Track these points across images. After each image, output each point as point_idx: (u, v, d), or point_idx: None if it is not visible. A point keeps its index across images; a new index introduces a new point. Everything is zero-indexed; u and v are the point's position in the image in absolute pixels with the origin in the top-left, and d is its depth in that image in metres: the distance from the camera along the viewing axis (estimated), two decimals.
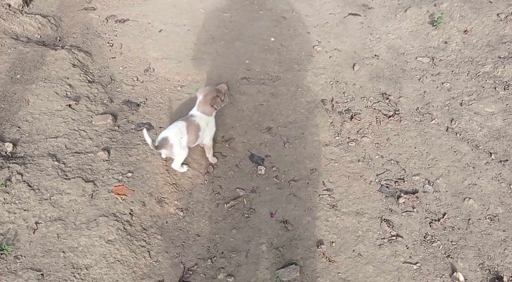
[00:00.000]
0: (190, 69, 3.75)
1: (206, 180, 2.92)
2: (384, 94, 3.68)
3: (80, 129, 3.03)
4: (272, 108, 3.52)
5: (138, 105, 3.38)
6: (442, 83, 3.73)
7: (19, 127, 2.95)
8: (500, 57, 3.80)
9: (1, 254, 2.26)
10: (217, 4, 4.37)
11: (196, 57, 3.87)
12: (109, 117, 3.14)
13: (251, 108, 3.50)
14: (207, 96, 2.87)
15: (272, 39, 4.09)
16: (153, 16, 4.22)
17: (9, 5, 3.86)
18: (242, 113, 3.46)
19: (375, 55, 3.98)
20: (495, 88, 3.64)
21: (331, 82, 3.77)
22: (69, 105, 3.18)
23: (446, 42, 4.01)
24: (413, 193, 3.02)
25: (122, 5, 4.32)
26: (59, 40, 3.87)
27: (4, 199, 2.46)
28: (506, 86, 3.63)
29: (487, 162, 3.20)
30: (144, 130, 2.60)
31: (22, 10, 3.91)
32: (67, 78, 3.42)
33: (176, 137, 2.72)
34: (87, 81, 3.48)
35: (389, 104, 3.61)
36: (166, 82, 3.64)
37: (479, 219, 2.89)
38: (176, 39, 4.03)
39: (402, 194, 3.00)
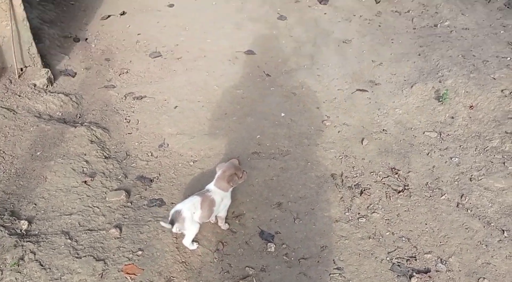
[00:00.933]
0: (203, 144, 3.87)
1: (216, 258, 2.93)
2: (393, 169, 3.73)
3: (94, 206, 3.10)
4: (282, 183, 3.57)
5: (151, 180, 3.47)
6: (451, 158, 3.77)
7: (35, 205, 3.05)
8: (507, 132, 3.85)
9: None
10: (230, 82, 4.58)
11: (209, 133, 4.00)
12: (122, 193, 3.23)
13: (261, 183, 3.56)
14: (225, 172, 2.96)
15: (283, 114, 4.23)
16: (169, 93, 4.43)
17: (35, 85, 4.10)
18: (252, 188, 3.52)
19: (383, 129, 4.07)
20: (503, 163, 3.67)
21: (341, 157, 3.84)
22: (85, 182, 3.28)
23: (452, 117, 4.10)
24: (426, 272, 2.97)
25: (140, 82, 4.55)
26: (79, 117, 4.06)
27: (16, 278, 2.50)
28: None
29: (500, 240, 3.16)
30: (161, 223, 2.75)
31: (46, 89, 4.15)
32: (85, 155, 3.55)
33: (189, 212, 2.78)
34: (104, 157, 3.61)
35: (398, 179, 3.65)
36: (179, 158, 3.75)
37: None
38: (190, 115, 4.19)
39: (414, 273, 2.95)
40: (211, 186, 2.97)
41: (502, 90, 4.16)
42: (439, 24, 5.23)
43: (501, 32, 4.96)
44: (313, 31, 5.26)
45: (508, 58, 4.51)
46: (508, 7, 5.34)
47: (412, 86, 4.40)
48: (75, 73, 4.55)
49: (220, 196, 2.96)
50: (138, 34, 5.20)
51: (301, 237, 3.16)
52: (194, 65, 4.82)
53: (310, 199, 3.46)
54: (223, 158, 3.73)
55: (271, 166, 3.71)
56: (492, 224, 3.26)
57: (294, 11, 5.58)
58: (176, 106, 4.29)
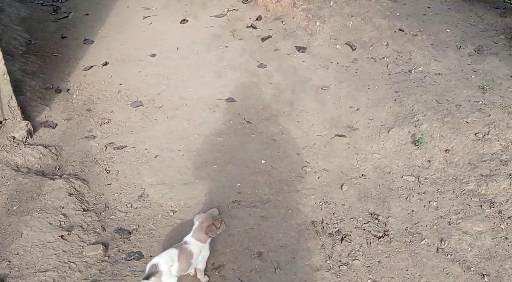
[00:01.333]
0: (183, 194, 3.86)
1: None
2: (373, 215, 3.75)
3: (70, 262, 3.05)
4: (263, 232, 3.56)
5: (130, 233, 3.44)
6: (429, 202, 3.81)
7: (9, 262, 2.98)
8: (482, 175, 3.92)
9: None
10: (211, 130, 4.63)
11: (189, 182, 4.01)
12: (100, 247, 3.18)
13: (242, 232, 3.55)
14: (203, 223, 2.96)
15: (263, 161, 4.27)
16: (150, 142, 4.45)
17: (14, 138, 4.10)
18: (232, 238, 3.50)
19: (362, 174, 4.12)
20: (480, 206, 3.72)
21: (321, 203, 3.85)
22: (62, 236, 3.24)
23: (429, 161, 4.17)
24: None
25: (121, 132, 4.58)
26: (59, 168, 4.04)
27: None
28: (491, 204, 3.71)
29: None
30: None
31: (25, 142, 4.15)
32: (62, 208, 3.52)
33: (166, 265, 2.75)
34: (82, 209, 3.58)
35: (378, 224, 3.66)
36: (159, 208, 3.73)
37: None
38: (170, 164, 4.21)
39: None
40: (188, 238, 2.96)
41: (475, 134, 4.27)
42: (413, 70, 5.40)
43: (472, 76, 5.13)
44: (292, 78, 5.39)
45: (480, 102, 4.66)
46: (478, 53, 5.56)
47: (389, 131, 4.49)
48: (56, 125, 4.56)
49: (198, 248, 2.93)
50: (120, 84, 5.27)
51: None
52: (175, 114, 4.88)
53: (291, 248, 3.44)
54: (203, 208, 3.72)
55: (251, 214, 3.71)
56: (472, 269, 3.27)
57: (274, 59, 5.73)
58: (157, 155, 4.30)
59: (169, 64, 5.66)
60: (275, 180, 4.07)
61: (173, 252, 2.82)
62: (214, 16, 6.69)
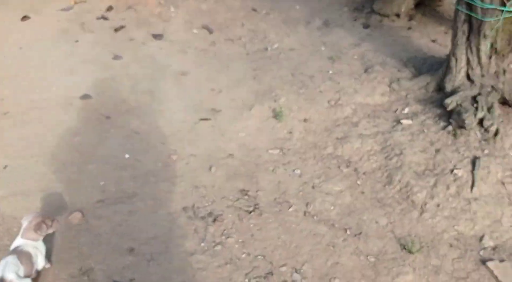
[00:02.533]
0: (40, 202, 3.55)
1: None
2: (242, 191, 3.80)
3: None
4: (132, 227, 3.42)
5: None
6: (293, 171, 3.97)
7: None
8: (338, 138, 4.20)
9: None
10: (66, 130, 4.31)
11: (46, 188, 3.69)
12: None
13: (108, 231, 3.37)
14: (31, 222, 2.86)
15: (127, 155, 4.09)
16: None
17: None
18: (99, 238, 3.31)
19: (229, 154, 4.16)
20: (339, 167, 3.97)
21: (191, 189, 3.81)
22: None
23: (290, 132, 4.35)
24: None
25: None
26: None
27: None
28: (348, 164, 3.98)
29: (344, 239, 3.38)
30: None
31: None
32: None
33: (13, 273, 2.58)
34: None
35: (248, 200, 3.72)
36: (13, 222, 3.39)
37: None
38: (23, 173, 3.84)
39: None
40: (18, 240, 2.84)
41: (328, 101, 4.55)
42: (269, 47, 5.57)
43: (322, 49, 5.45)
44: (150, 67, 5.23)
45: (330, 72, 4.97)
46: (325, 26, 5.91)
47: (251, 109, 4.58)
48: None
49: (33, 246, 2.83)
50: None
51: (157, 279, 3.05)
52: (24, 119, 4.44)
53: (163, 238, 3.36)
54: (65, 213, 3.47)
55: (118, 211, 3.54)
56: (336, 226, 3.49)
57: (129, 50, 5.51)
58: (6, 166, 3.90)
59: (12, 66, 5.13)
60: (141, 172, 3.93)
61: (11, 258, 2.69)
62: (60, 10, 6.20)
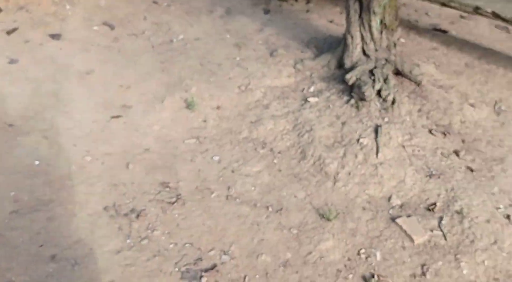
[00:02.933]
0: None
1: None
2: (163, 184, 3.81)
3: None
4: (52, 234, 3.31)
5: None
6: (212, 158, 4.05)
7: None
8: (252, 122, 4.33)
9: None
10: None
11: None
12: None
13: (27, 241, 3.23)
14: None
15: (37, 162, 3.91)
16: None
17: None
18: (18, 249, 3.17)
19: (146, 149, 4.13)
20: (255, 149, 4.11)
21: (109, 188, 3.74)
22: None
23: (205, 121, 4.40)
24: (213, 268, 3.13)
25: None
26: None
27: None
28: (264, 145, 4.14)
29: (267, 216, 3.53)
30: None
31: None
32: None
33: None
34: None
35: (170, 191, 3.74)
36: None
37: (275, 269, 3.14)
38: None
39: (203, 273, 3.08)
40: None
41: (239, 87, 4.66)
42: (174, 39, 5.55)
43: (227, 36, 5.55)
44: (51, 68, 4.98)
45: (237, 58, 5.08)
46: (227, 14, 6.00)
47: (162, 101, 4.56)
48: None
49: None
50: None
51: None
52: None
53: (86, 240, 3.29)
54: None
55: (34, 219, 3.40)
56: (258, 205, 3.63)
57: (26, 52, 5.20)
58: None
59: None
60: (55, 177, 3.79)
61: None
62: None
